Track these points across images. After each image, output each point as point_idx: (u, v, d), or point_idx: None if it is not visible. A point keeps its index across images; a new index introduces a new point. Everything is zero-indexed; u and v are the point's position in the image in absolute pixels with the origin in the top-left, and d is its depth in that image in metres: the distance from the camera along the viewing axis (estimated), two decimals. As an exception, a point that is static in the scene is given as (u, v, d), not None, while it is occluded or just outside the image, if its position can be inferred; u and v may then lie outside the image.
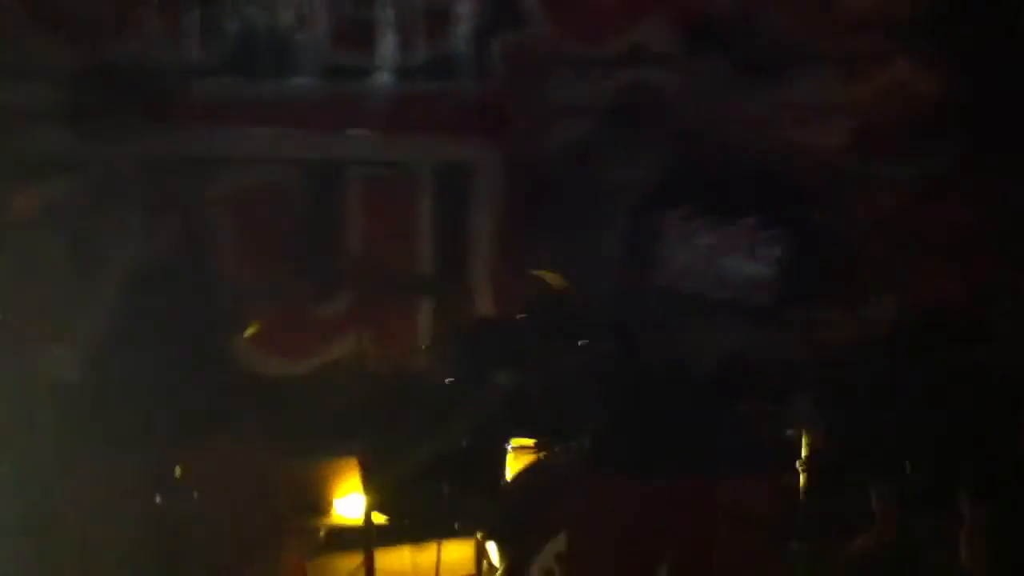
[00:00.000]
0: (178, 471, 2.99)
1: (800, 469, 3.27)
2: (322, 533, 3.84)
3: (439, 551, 3.41)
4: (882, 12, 3.91)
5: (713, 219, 2.43)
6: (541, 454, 3.20)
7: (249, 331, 3.07)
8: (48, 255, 3.09)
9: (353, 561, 3.52)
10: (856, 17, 3.94)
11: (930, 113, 3.29)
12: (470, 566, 3.45)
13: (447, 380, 3.32)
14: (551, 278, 3.25)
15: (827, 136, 3.29)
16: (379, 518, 3.40)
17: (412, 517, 3.48)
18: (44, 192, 3.16)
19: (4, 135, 3.54)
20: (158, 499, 3.06)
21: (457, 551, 3.47)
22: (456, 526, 3.35)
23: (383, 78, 4.07)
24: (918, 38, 3.73)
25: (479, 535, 3.31)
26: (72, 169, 3.15)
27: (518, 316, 3.47)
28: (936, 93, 3.36)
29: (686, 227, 2.45)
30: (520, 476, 3.21)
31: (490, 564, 3.28)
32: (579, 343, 2.97)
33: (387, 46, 4.06)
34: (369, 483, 3.42)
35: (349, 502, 3.76)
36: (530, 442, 3.27)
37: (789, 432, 2.93)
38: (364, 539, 3.38)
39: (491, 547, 3.26)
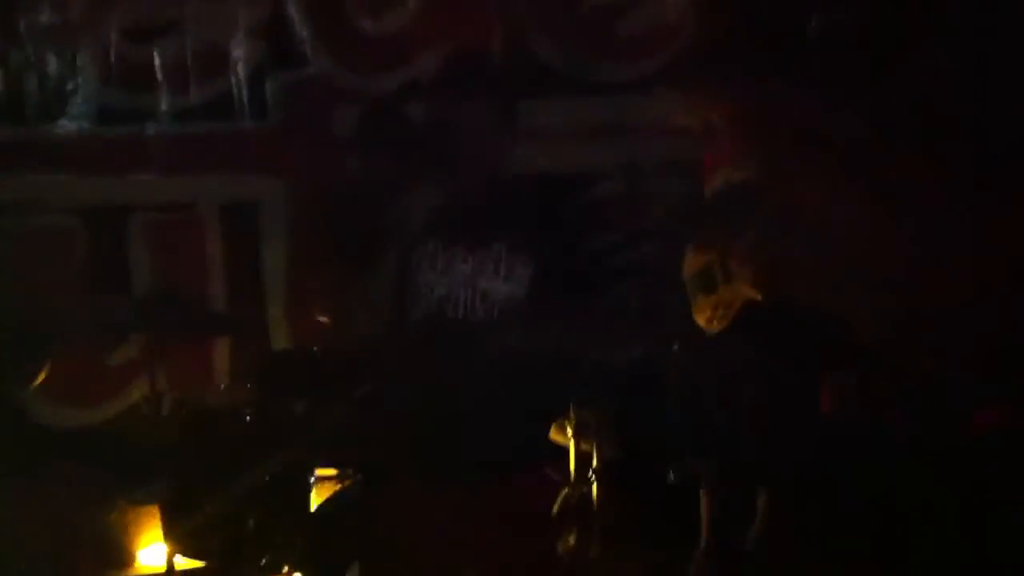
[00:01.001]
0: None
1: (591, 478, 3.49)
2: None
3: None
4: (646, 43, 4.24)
5: (470, 246, 2.60)
6: (343, 483, 3.30)
7: (38, 379, 2.99)
8: None
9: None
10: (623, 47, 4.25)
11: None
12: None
13: (245, 415, 3.36)
14: (326, 318, 3.37)
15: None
16: (187, 563, 3.40)
17: (220, 557, 3.48)
18: None
19: None
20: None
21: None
22: (263, 562, 3.40)
23: (162, 121, 4.10)
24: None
25: (285, 569, 3.38)
26: None
27: (312, 349, 3.55)
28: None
29: (444, 256, 2.61)
30: (322, 506, 3.30)
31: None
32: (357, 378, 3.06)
33: (164, 89, 4.08)
34: (170, 529, 3.38)
35: (152, 551, 3.78)
36: (332, 472, 3.36)
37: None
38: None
39: (298, 579, 3.34)
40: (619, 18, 4.21)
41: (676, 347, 3.74)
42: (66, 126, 4.05)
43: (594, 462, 3.46)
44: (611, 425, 3.95)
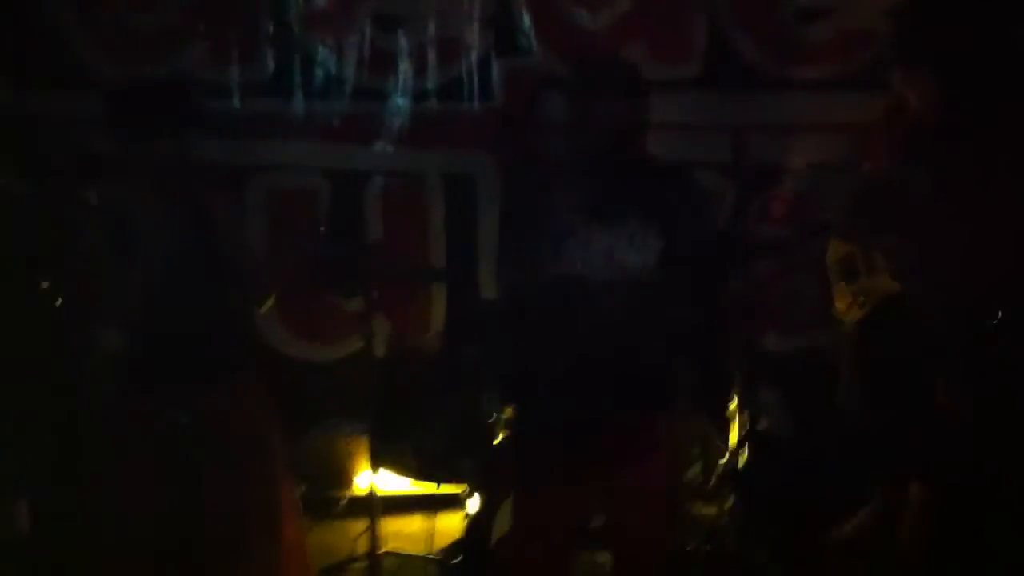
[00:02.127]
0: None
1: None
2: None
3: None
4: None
5: (607, 221, 2.91)
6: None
7: (265, 306, 3.51)
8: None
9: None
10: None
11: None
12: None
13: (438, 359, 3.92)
14: None
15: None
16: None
17: (416, 475, 4.07)
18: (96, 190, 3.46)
19: (65, 138, 4.19)
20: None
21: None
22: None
23: (401, 99, 4.70)
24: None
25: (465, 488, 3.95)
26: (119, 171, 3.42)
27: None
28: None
29: (585, 229, 2.93)
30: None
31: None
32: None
33: (405, 72, 4.68)
34: (375, 454, 3.91)
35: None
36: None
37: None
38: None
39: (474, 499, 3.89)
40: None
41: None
42: (322, 101, 4.68)
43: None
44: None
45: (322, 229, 4.48)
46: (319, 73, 4.67)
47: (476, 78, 4.66)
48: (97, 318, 3.45)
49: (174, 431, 3.23)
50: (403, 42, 4.66)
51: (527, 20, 4.63)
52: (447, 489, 4.09)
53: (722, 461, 4.06)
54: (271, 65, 4.65)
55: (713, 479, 4.13)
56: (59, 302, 3.55)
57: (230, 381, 3.30)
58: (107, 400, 3.42)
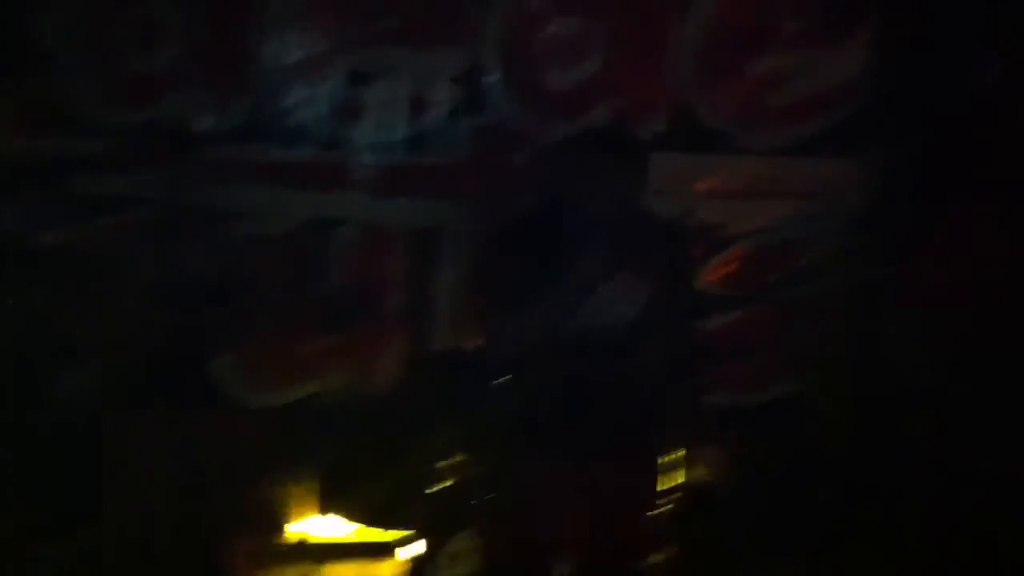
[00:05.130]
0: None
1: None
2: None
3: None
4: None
5: (608, 272, 3.00)
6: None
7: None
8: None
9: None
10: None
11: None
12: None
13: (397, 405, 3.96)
14: None
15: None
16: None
17: (367, 522, 4.09)
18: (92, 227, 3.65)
19: (64, 179, 4.30)
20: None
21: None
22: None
23: (372, 150, 4.79)
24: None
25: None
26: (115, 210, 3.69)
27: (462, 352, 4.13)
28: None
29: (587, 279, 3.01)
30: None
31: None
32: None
33: (374, 124, 4.77)
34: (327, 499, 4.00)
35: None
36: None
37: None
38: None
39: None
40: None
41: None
42: (291, 149, 4.77)
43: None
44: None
45: (282, 275, 4.54)
46: (291, 121, 4.76)
47: (446, 132, 4.75)
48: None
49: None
50: (376, 94, 4.76)
51: (499, 76, 4.73)
52: (390, 535, 4.09)
53: (665, 511, 4.09)
54: (247, 111, 4.74)
55: (657, 529, 4.15)
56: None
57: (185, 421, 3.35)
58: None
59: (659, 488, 4.21)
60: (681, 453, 4.02)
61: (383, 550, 4.21)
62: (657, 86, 4.71)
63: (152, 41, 4.66)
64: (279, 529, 4.55)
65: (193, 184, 4.26)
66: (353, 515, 4.04)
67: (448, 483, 3.91)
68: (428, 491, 3.88)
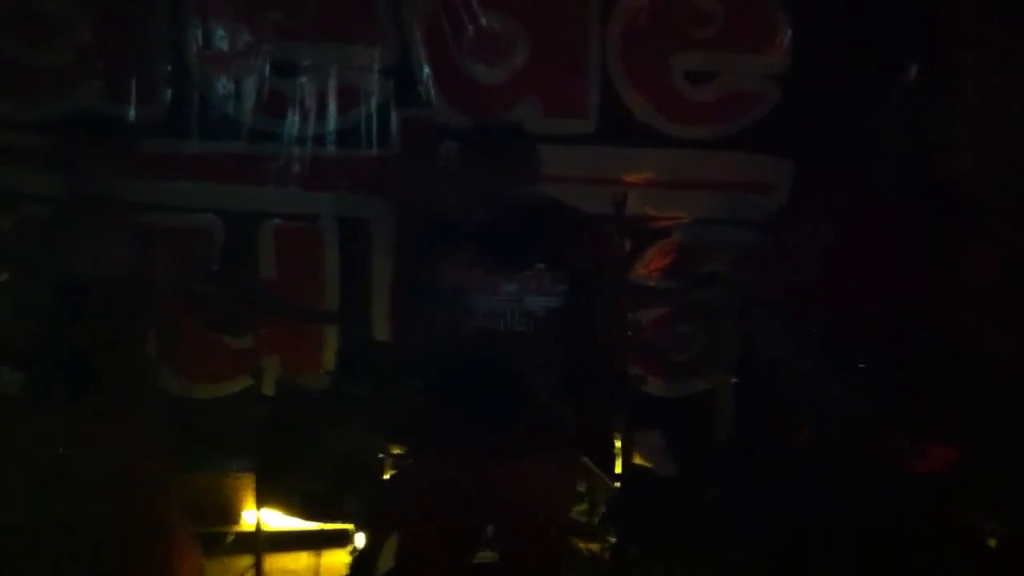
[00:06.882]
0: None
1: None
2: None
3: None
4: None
5: (511, 270, 3.02)
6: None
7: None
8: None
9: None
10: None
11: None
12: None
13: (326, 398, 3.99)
14: None
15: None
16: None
17: (301, 515, 4.08)
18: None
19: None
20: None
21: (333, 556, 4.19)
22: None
23: (298, 142, 4.77)
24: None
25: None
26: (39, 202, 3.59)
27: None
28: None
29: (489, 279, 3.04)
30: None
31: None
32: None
33: (302, 116, 4.75)
34: (261, 492, 3.96)
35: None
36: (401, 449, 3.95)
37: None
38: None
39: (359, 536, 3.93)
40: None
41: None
42: (218, 142, 4.72)
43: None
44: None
45: (213, 268, 4.49)
46: (215, 114, 4.72)
47: (375, 125, 4.77)
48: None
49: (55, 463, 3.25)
50: (302, 87, 4.75)
51: (426, 71, 4.77)
52: (334, 526, 4.10)
53: (605, 499, 4.18)
54: (167, 104, 4.67)
55: (597, 517, 4.24)
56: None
57: (116, 416, 3.32)
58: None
59: (585, 477, 4.33)
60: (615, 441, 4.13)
61: (334, 539, 4.23)
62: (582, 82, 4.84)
63: (63, 33, 4.57)
64: (228, 518, 4.56)
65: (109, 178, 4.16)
66: (290, 509, 4.03)
67: (378, 475, 3.94)
68: (360, 483, 3.89)
